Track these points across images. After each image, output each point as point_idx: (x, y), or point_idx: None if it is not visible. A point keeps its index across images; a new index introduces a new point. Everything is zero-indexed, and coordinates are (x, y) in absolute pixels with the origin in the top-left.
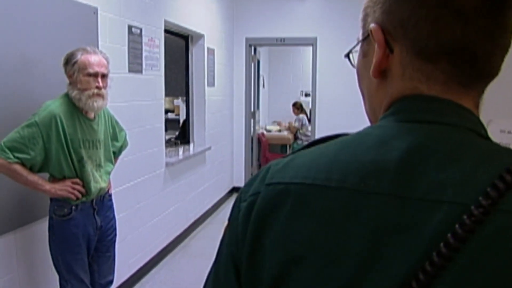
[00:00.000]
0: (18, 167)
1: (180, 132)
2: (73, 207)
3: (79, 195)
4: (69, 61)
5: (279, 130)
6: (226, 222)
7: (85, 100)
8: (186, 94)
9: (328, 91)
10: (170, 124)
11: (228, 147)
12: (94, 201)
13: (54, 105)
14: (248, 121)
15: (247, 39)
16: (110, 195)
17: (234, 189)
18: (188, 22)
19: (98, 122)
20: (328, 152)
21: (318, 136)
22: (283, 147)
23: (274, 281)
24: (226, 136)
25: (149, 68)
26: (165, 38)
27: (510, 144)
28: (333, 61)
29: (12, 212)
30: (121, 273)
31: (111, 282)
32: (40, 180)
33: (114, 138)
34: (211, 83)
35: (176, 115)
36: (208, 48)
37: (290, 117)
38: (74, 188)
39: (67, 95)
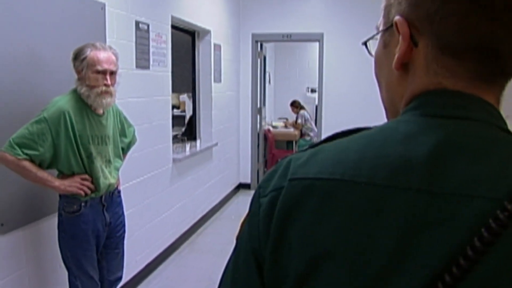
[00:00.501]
0: (27, 164)
1: (186, 128)
2: (82, 204)
3: (88, 191)
4: (78, 56)
5: (285, 126)
6: (242, 218)
7: (93, 98)
8: (192, 90)
9: (335, 87)
10: (176, 120)
11: (235, 144)
12: (103, 197)
13: (63, 101)
14: (255, 117)
15: (253, 35)
16: (119, 191)
17: (241, 186)
18: (194, 18)
19: (107, 117)
20: (354, 147)
21: (324, 132)
22: (289, 143)
23: (301, 277)
24: (232, 132)
25: (156, 64)
26: (172, 34)
27: None
28: (340, 57)
29: (21, 208)
30: (128, 269)
31: (120, 278)
32: (49, 176)
33: (123, 134)
34: (218, 79)
35: (181, 111)
36: (214, 44)
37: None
38: (83, 184)
39: (75, 91)
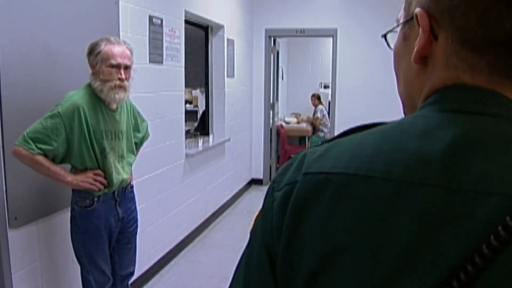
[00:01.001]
0: (40, 158)
1: (199, 124)
2: (95, 198)
3: (101, 187)
4: (92, 51)
5: (298, 122)
6: (257, 212)
7: (107, 92)
8: (205, 85)
9: (348, 83)
10: (188, 115)
11: (247, 139)
12: (116, 192)
13: (77, 96)
14: (267, 113)
15: (266, 30)
16: (132, 187)
17: (253, 181)
18: (208, 12)
19: (121, 112)
20: (369, 141)
21: (337, 128)
22: (302, 139)
23: (312, 272)
24: (245, 128)
25: (170, 58)
26: (185, 28)
27: None
28: (354, 52)
29: (34, 203)
30: (140, 264)
31: (132, 273)
32: (62, 171)
33: (136, 129)
34: (231, 74)
35: (194, 106)
36: (227, 39)
37: (309, 109)
38: (96, 180)
39: (90, 86)
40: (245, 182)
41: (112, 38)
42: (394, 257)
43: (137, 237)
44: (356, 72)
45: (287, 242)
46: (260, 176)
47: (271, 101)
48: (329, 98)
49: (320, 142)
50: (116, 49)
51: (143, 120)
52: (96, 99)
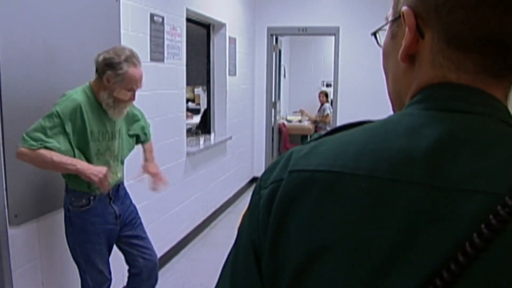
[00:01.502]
0: (42, 151)
1: (201, 122)
2: (91, 197)
3: (106, 188)
4: (113, 67)
5: (300, 121)
6: (244, 210)
7: (114, 110)
8: (207, 83)
9: (350, 81)
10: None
11: (249, 137)
12: (110, 191)
13: (76, 95)
14: (269, 111)
15: (268, 29)
16: (122, 183)
17: (255, 179)
18: (209, 10)
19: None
20: (355, 139)
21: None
22: (304, 137)
23: (298, 270)
24: (247, 126)
25: (171, 57)
26: (187, 26)
27: None
28: (356, 51)
29: (34, 200)
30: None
31: (156, 263)
32: (69, 159)
33: (130, 123)
34: (233, 72)
35: (196, 104)
36: (229, 37)
37: (311, 107)
38: (104, 180)
39: (90, 87)
40: (247, 181)
41: (134, 58)
42: (379, 255)
43: (144, 227)
44: (358, 70)
45: (273, 240)
46: None
47: (273, 100)
48: (331, 96)
49: (308, 141)
50: (138, 74)
51: (139, 119)
52: (94, 100)
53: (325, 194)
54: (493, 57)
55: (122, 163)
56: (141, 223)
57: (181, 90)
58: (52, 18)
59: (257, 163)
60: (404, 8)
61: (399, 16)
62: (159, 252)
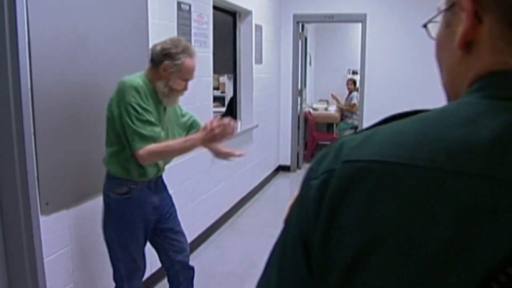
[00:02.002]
0: (152, 146)
1: (227, 110)
2: (132, 186)
3: (232, 132)
4: (171, 57)
5: (326, 109)
6: (291, 200)
7: (169, 98)
8: (233, 71)
9: (378, 69)
10: (216, 101)
11: (275, 126)
12: (151, 181)
13: (136, 82)
14: (295, 99)
15: (294, 16)
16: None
17: (280, 168)
18: None
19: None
20: (411, 129)
21: (366, 115)
22: (330, 126)
23: (350, 264)
24: (272, 114)
25: (198, 45)
26: (213, 14)
27: None
28: (383, 38)
29: (65, 188)
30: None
31: (188, 256)
32: (184, 140)
33: (178, 117)
34: (259, 60)
35: (221, 92)
36: (255, 25)
37: (338, 95)
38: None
39: (146, 76)
40: (273, 169)
41: (190, 49)
42: (434, 250)
43: (179, 220)
44: (386, 58)
45: (324, 233)
46: (288, 163)
47: (299, 87)
48: (358, 84)
49: (351, 130)
50: (193, 65)
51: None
52: (152, 89)
53: (380, 185)
54: None
55: None
56: (175, 216)
57: (208, 78)
58: (81, 5)
59: (283, 152)
60: None
61: (454, 4)
62: (187, 239)
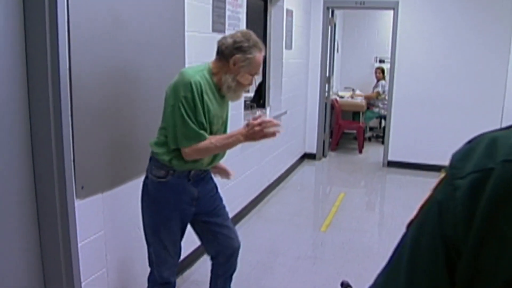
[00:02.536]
0: (201, 145)
1: (255, 95)
2: (170, 171)
3: (277, 131)
4: (243, 51)
5: (351, 97)
6: (422, 201)
7: (235, 93)
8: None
9: (409, 58)
10: None
11: (302, 113)
12: (193, 172)
13: (198, 76)
14: (323, 86)
15: (325, 1)
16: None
17: (306, 155)
18: None
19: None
20: None
21: (395, 104)
22: (356, 114)
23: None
24: (300, 101)
25: (232, 28)
26: None
27: None
28: (415, 26)
29: (100, 173)
30: (196, 238)
31: (239, 246)
32: (227, 136)
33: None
34: (289, 46)
35: None
36: (287, 10)
37: (363, 84)
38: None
39: (208, 69)
40: (298, 156)
41: (260, 44)
42: None
43: (227, 214)
44: (417, 47)
45: (479, 241)
46: (313, 151)
47: (327, 75)
48: (387, 73)
49: (377, 119)
50: (261, 60)
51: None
52: (212, 82)
53: None
54: None
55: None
56: (224, 208)
57: None
58: None
59: (309, 139)
60: None
61: None
62: None
